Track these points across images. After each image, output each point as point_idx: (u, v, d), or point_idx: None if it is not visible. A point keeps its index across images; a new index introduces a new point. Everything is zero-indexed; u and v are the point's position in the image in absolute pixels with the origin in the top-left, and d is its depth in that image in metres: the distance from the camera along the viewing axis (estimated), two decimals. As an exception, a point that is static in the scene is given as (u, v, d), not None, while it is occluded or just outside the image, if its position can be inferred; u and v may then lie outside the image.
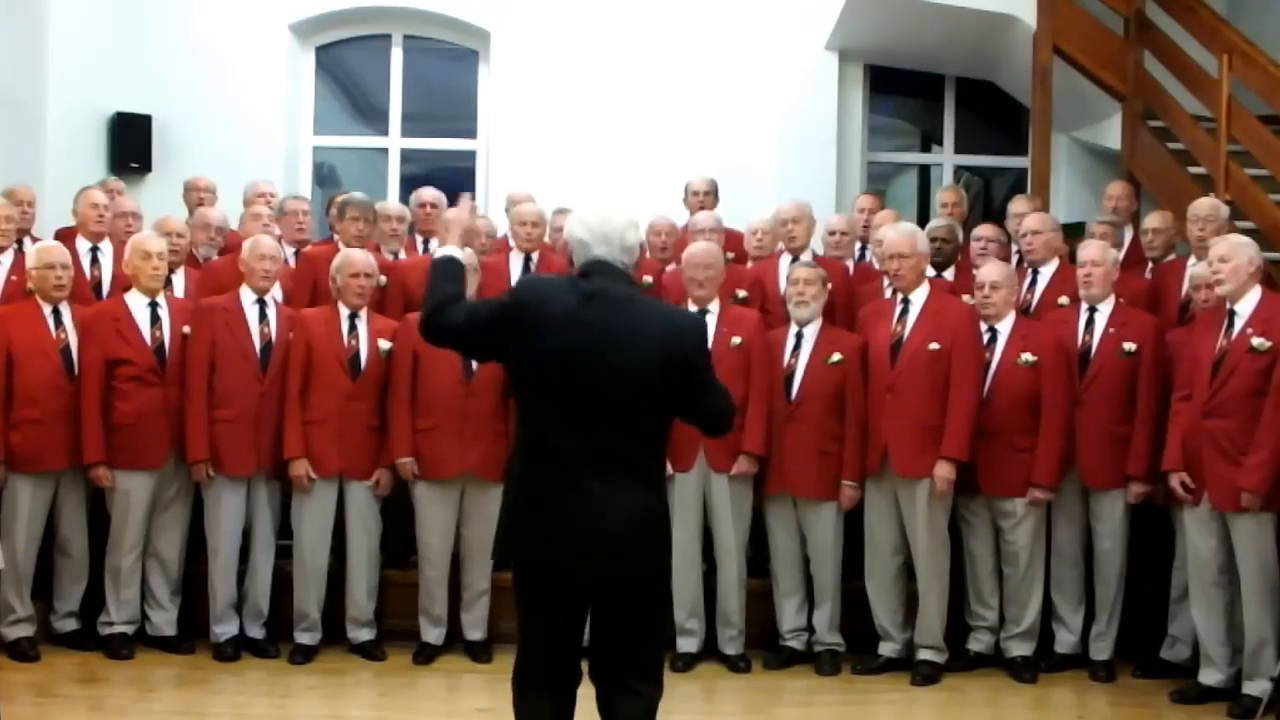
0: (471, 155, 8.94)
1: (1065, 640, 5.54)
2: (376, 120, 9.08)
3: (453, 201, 5.94)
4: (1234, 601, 5.03)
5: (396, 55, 8.95)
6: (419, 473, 5.51)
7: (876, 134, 9.06)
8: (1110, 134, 8.00)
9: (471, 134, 8.95)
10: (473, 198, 3.69)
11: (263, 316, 5.58)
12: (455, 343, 3.42)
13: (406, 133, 8.99)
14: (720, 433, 3.53)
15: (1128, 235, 6.65)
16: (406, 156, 8.99)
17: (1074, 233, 6.76)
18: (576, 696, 3.31)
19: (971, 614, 5.56)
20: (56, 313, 5.48)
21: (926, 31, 8.29)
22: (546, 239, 6.71)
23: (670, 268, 6.33)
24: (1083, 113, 8.10)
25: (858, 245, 6.77)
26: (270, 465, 5.51)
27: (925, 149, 9.42)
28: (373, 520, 5.61)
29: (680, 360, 3.23)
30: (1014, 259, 6.32)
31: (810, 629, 5.59)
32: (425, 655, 5.56)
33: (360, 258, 5.65)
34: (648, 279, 6.10)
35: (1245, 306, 5.01)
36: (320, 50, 8.96)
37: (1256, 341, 4.92)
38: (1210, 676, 5.09)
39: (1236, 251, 5.04)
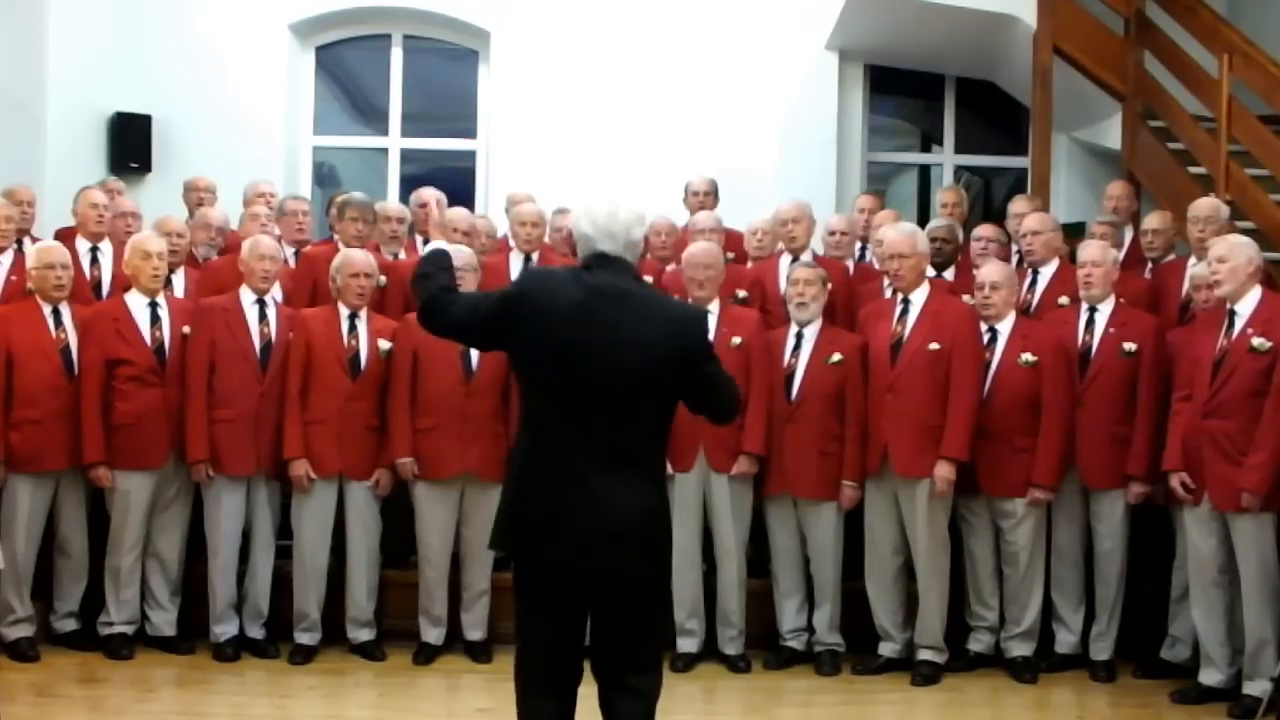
0: (471, 155, 8.94)
1: (1065, 640, 5.53)
2: (376, 120, 9.08)
3: (452, 201, 5.93)
4: (1234, 602, 5.03)
5: (396, 55, 8.96)
6: (419, 473, 5.51)
7: (876, 134, 9.07)
8: (1110, 134, 8.00)
9: (471, 134, 8.96)
10: (444, 190, 3.68)
11: (262, 317, 5.58)
12: (457, 333, 3.42)
13: (406, 133, 8.99)
14: (725, 420, 3.52)
15: (1128, 235, 6.64)
16: (406, 156, 8.99)
17: (1074, 233, 6.76)
18: (577, 696, 3.31)
19: (972, 614, 5.55)
20: (56, 313, 5.47)
21: (926, 31, 8.29)
22: (546, 239, 6.71)
23: (670, 268, 6.33)
24: (1083, 113, 8.10)
25: (858, 245, 6.77)
26: (270, 465, 5.51)
27: (925, 149, 9.43)
28: (373, 520, 5.61)
29: (684, 354, 3.23)
30: (1014, 259, 6.32)
31: (810, 629, 5.58)
32: (425, 655, 5.55)
33: (360, 258, 5.65)
34: (647, 279, 6.09)
35: (1245, 307, 5.01)
36: (320, 50, 8.97)
37: (1257, 342, 4.92)
38: (1210, 677, 5.09)
39: (1235, 252, 5.04)
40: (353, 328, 5.56)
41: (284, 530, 5.65)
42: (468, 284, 5.14)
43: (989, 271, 5.51)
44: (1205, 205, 5.93)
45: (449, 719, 5.08)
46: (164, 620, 5.58)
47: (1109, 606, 5.48)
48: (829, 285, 5.61)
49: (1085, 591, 5.54)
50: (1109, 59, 7.69)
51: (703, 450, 5.44)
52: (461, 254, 5.29)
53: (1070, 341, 5.47)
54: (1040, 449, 5.32)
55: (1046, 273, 5.96)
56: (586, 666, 3.30)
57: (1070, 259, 6.03)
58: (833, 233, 6.58)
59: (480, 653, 5.57)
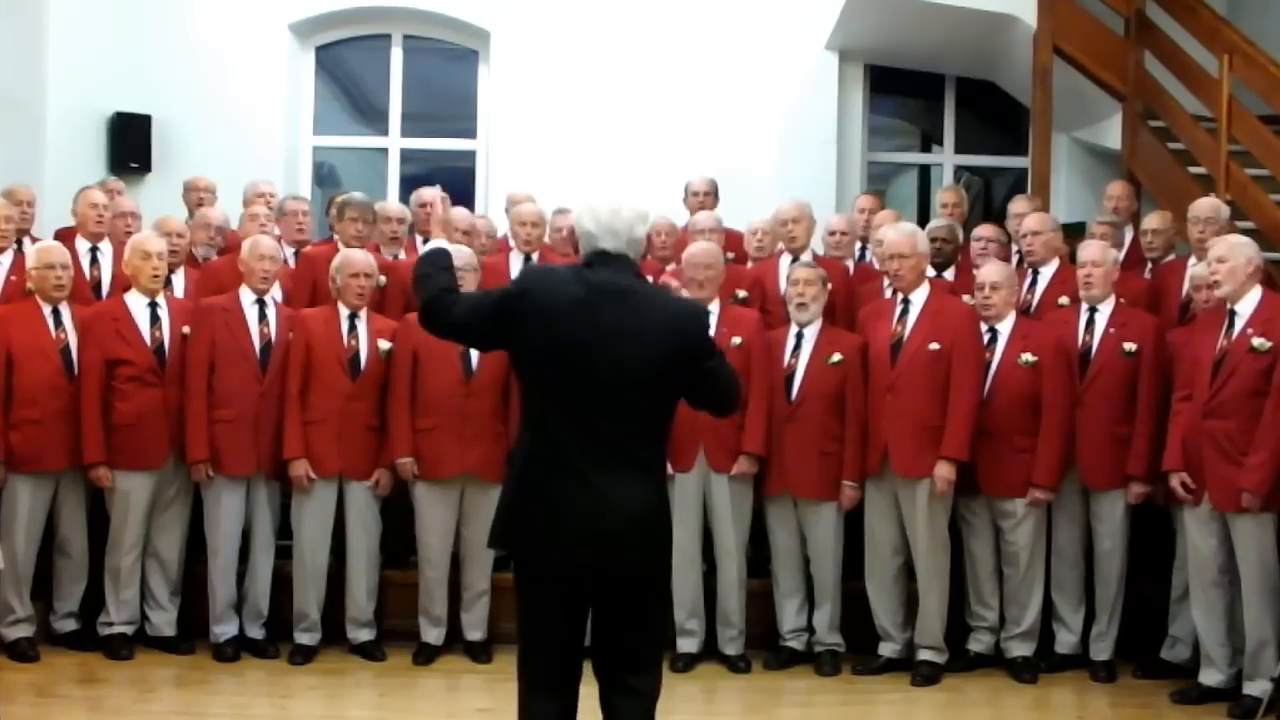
0: (471, 155, 8.94)
1: (1065, 640, 5.53)
2: (376, 120, 9.08)
3: (452, 201, 5.93)
4: (1234, 602, 5.02)
5: (396, 55, 8.95)
6: (419, 473, 5.50)
7: (876, 134, 9.06)
8: (1110, 134, 7.99)
9: (471, 134, 8.95)
10: (443, 188, 3.68)
11: (262, 317, 5.57)
12: (457, 333, 3.42)
13: (406, 133, 8.99)
14: (726, 413, 3.51)
15: (1128, 235, 6.64)
16: (406, 156, 8.99)
17: (1074, 233, 6.76)
18: (579, 695, 3.30)
19: (972, 614, 5.55)
20: (56, 313, 5.47)
21: (926, 31, 8.28)
22: (546, 239, 6.71)
23: (670, 268, 6.32)
24: (1083, 113, 8.09)
25: (858, 245, 6.76)
26: (270, 465, 5.51)
27: (925, 149, 9.42)
28: (372, 520, 5.61)
29: (685, 350, 3.23)
30: (1014, 259, 6.32)
31: (810, 629, 5.58)
32: (425, 655, 5.55)
33: (360, 258, 5.65)
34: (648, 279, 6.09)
35: (1245, 307, 5.01)
36: (320, 50, 8.96)
37: (1257, 342, 4.92)
38: (1210, 677, 5.09)
39: (1234, 252, 5.03)
40: (353, 328, 5.56)
41: (284, 530, 5.65)
42: (468, 284, 5.14)
43: (989, 271, 5.51)
44: (1205, 206, 5.93)
45: (449, 719, 5.08)
46: (164, 620, 5.58)
47: (1109, 607, 5.47)
48: (829, 285, 5.61)
49: (1085, 591, 5.53)
50: (1109, 59, 7.69)
51: (703, 450, 5.43)
52: (461, 254, 5.29)
53: (1070, 342, 5.46)
54: (1040, 449, 5.31)
55: (1046, 273, 5.96)
56: (587, 666, 3.30)
57: (1070, 259, 6.02)
58: (833, 233, 6.58)
59: (480, 653, 5.57)
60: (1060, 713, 5.23)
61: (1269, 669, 4.85)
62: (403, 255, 6.35)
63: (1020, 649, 5.46)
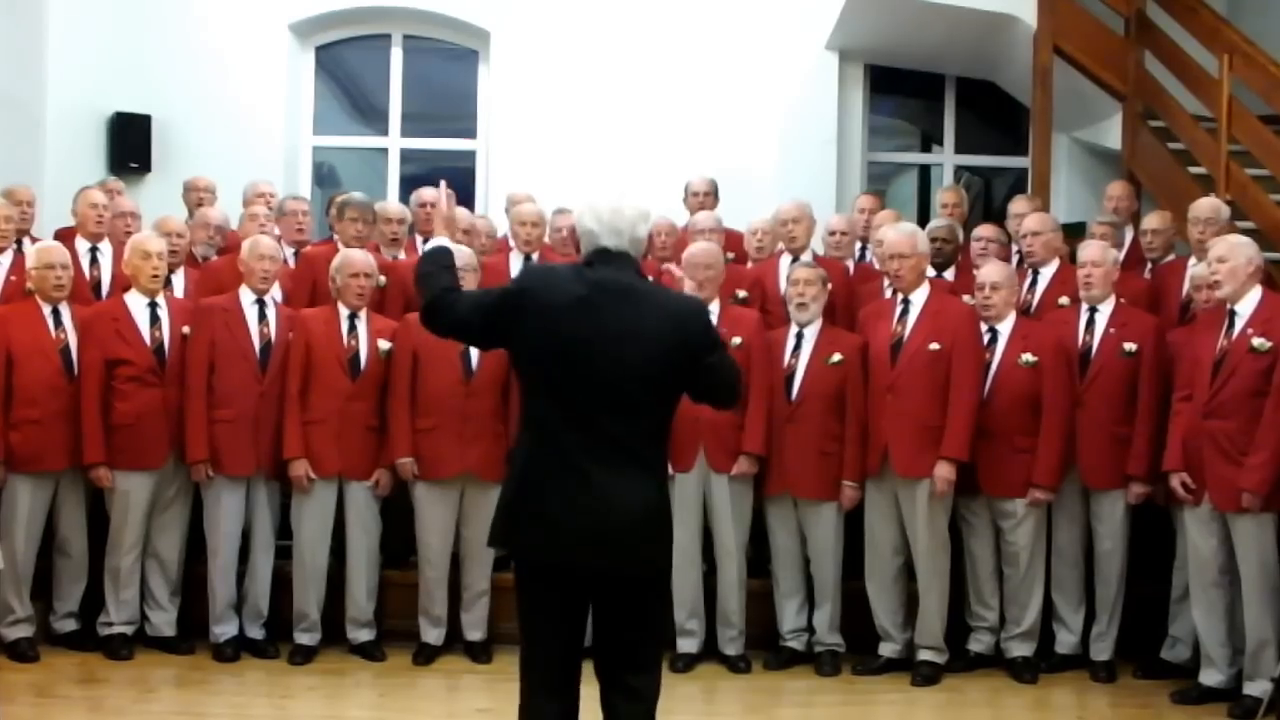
0: (471, 155, 8.93)
1: (1066, 641, 5.53)
2: (376, 120, 9.08)
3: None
4: (1234, 602, 5.02)
5: (396, 55, 8.95)
6: (419, 473, 5.50)
7: (876, 134, 9.06)
8: (1111, 134, 7.99)
9: (471, 134, 8.95)
10: (451, 184, 3.68)
11: (262, 317, 5.57)
12: (459, 332, 3.43)
13: (406, 133, 8.99)
14: (727, 405, 3.50)
15: (1128, 235, 6.64)
16: (406, 156, 8.99)
17: (1074, 233, 6.76)
18: (580, 695, 3.30)
19: (972, 614, 5.55)
20: (56, 313, 5.47)
21: (926, 31, 8.28)
22: (546, 239, 6.70)
23: (670, 265, 6.31)
24: (1083, 113, 8.09)
25: (858, 245, 6.76)
26: (270, 465, 5.51)
27: (925, 149, 9.42)
28: (372, 520, 5.61)
29: (686, 347, 3.22)
30: (1014, 259, 6.32)
31: (810, 629, 5.58)
32: (425, 656, 5.55)
33: (360, 258, 5.65)
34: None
35: (1245, 307, 5.01)
36: (320, 50, 8.96)
37: (1257, 342, 4.92)
38: (1211, 677, 5.09)
39: (1235, 252, 5.03)
40: (352, 328, 5.56)
41: (284, 530, 5.65)
42: (468, 284, 5.12)
43: (989, 272, 5.51)
44: (1206, 206, 5.92)
45: (449, 719, 5.08)
46: (164, 620, 5.58)
47: (1109, 607, 5.47)
48: (829, 285, 5.61)
49: (1085, 592, 5.53)
50: (1109, 59, 7.69)
51: (703, 450, 5.43)
52: (461, 254, 5.26)
53: (1070, 342, 5.46)
54: (1040, 449, 5.31)
55: (1047, 273, 5.95)
56: (587, 667, 3.29)
57: (1070, 259, 6.02)
58: (833, 233, 6.57)
59: (480, 653, 5.57)
60: (1060, 713, 5.23)
61: (1269, 669, 4.85)
62: (403, 255, 6.35)
63: (1020, 649, 5.46)
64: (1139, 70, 7.62)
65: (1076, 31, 7.68)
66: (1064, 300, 5.78)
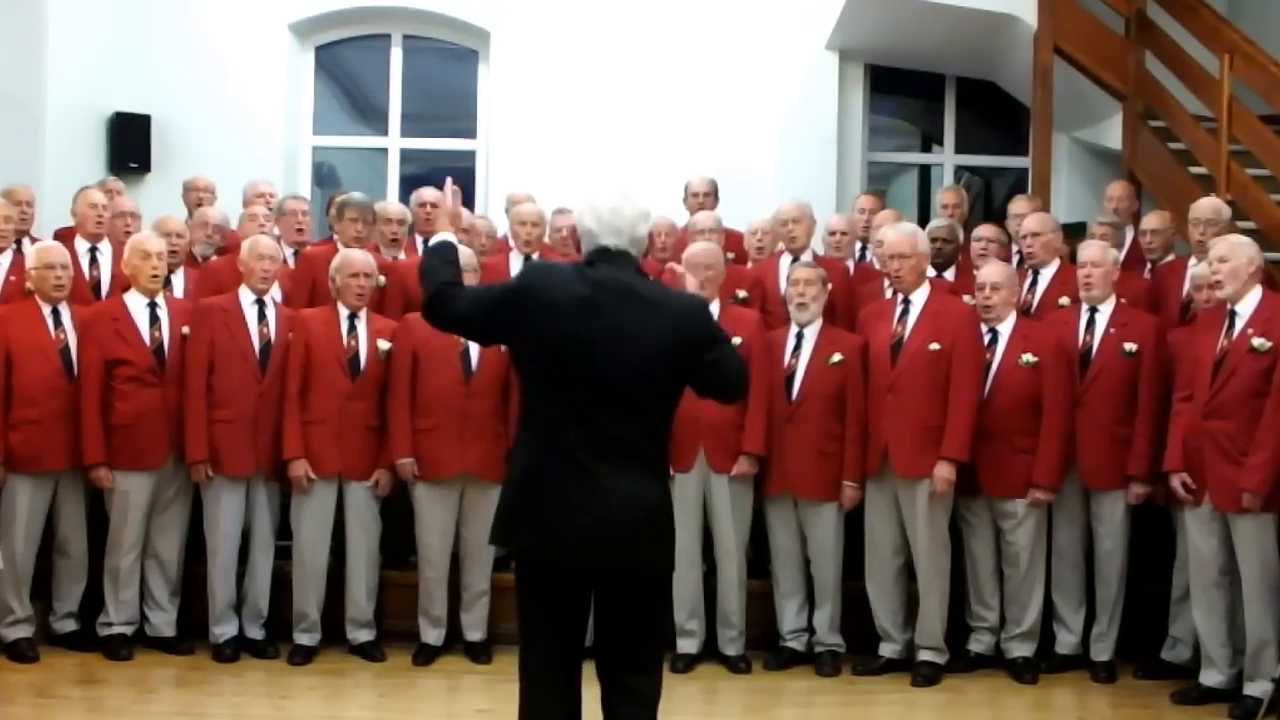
0: (471, 155, 8.93)
1: (1066, 641, 5.53)
2: (376, 120, 9.08)
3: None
4: (1235, 602, 5.02)
5: (396, 55, 8.95)
6: (419, 473, 5.50)
7: (877, 134, 9.05)
8: (1111, 134, 7.99)
9: (471, 134, 8.95)
10: (455, 182, 3.69)
11: (262, 317, 5.57)
12: (460, 327, 3.44)
13: (406, 133, 8.98)
14: (733, 400, 3.49)
15: (1129, 236, 6.63)
16: (406, 156, 8.98)
17: (1075, 233, 6.75)
18: (581, 696, 3.29)
19: (972, 615, 5.55)
20: (56, 313, 5.47)
21: (927, 31, 8.28)
22: (546, 239, 6.70)
23: (671, 265, 6.31)
24: (1083, 113, 8.09)
25: (858, 245, 6.76)
26: (269, 466, 5.51)
27: (925, 149, 9.42)
28: (372, 521, 5.60)
29: (689, 345, 3.22)
30: (1015, 259, 6.31)
31: (811, 630, 5.58)
32: (425, 656, 5.55)
33: (359, 258, 5.65)
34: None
35: (1246, 307, 5.00)
36: (320, 50, 8.96)
37: (1257, 342, 4.91)
38: (1211, 678, 5.08)
39: (1236, 252, 5.03)
40: (352, 328, 5.55)
41: (283, 530, 5.65)
42: (467, 284, 5.13)
43: (989, 272, 5.51)
44: (1207, 207, 5.91)
45: (448, 719, 5.07)
46: (163, 621, 5.57)
47: (1109, 607, 5.47)
48: (829, 285, 5.61)
49: (1086, 592, 5.53)
50: (1109, 59, 7.69)
51: (703, 451, 5.43)
52: (462, 253, 5.26)
53: (1071, 342, 5.46)
54: (1041, 449, 5.31)
55: (1047, 273, 5.95)
56: (588, 667, 3.29)
57: (1070, 259, 6.02)
58: (833, 233, 6.57)
59: (480, 653, 5.57)
60: (1061, 713, 5.23)
61: (1270, 670, 4.84)
62: (402, 256, 6.34)
63: (1021, 649, 5.46)
64: (1139, 70, 7.61)
65: (1077, 31, 7.68)
66: (1064, 300, 5.78)
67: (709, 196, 7.14)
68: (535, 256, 6.51)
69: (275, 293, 5.70)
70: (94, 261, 6.18)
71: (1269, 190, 6.61)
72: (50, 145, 7.84)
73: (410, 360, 5.50)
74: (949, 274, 6.19)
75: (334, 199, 6.61)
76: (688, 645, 5.53)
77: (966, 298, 5.70)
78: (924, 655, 5.40)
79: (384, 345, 5.56)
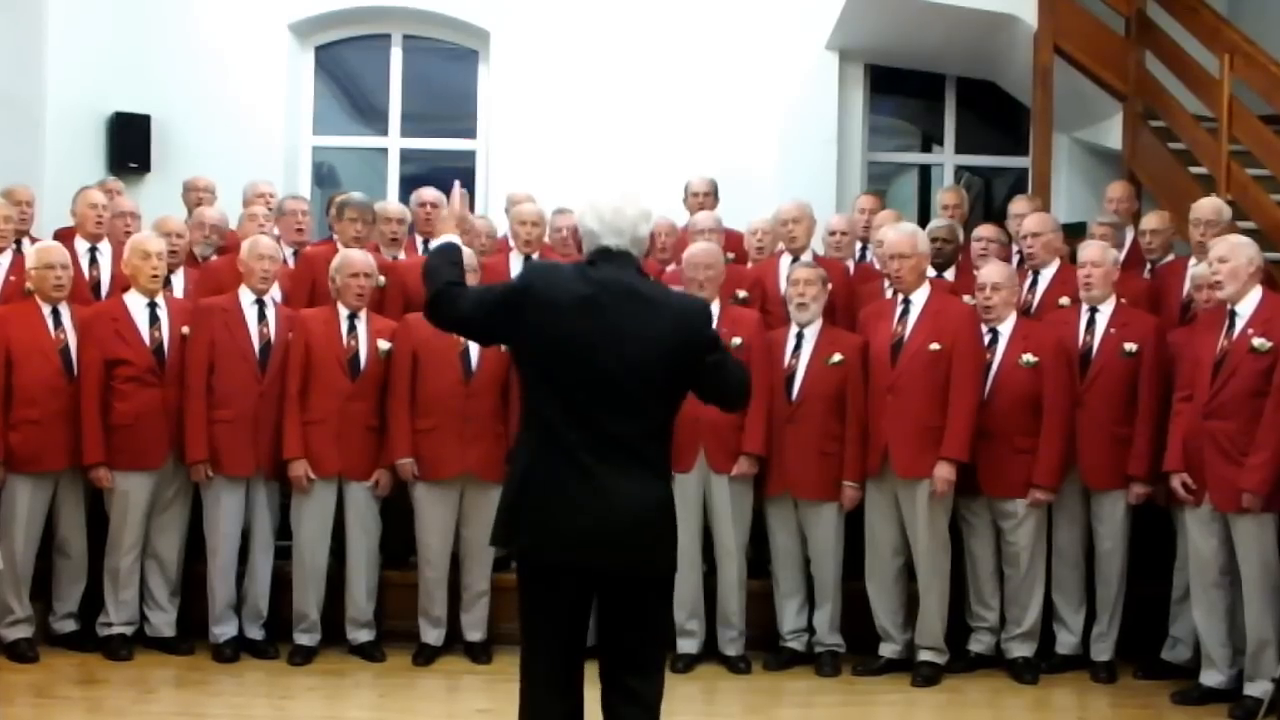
0: (471, 155, 8.93)
1: (1066, 641, 5.53)
2: (376, 120, 9.07)
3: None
4: (1235, 602, 5.02)
5: (396, 55, 8.95)
6: (418, 473, 5.50)
7: (877, 134, 9.05)
8: (1111, 134, 7.99)
9: (471, 134, 8.95)
10: (463, 186, 3.70)
11: (262, 317, 5.57)
12: (462, 327, 3.44)
13: (406, 133, 8.98)
14: (735, 407, 3.50)
15: (1129, 236, 6.63)
16: (406, 156, 8.98)
17: (1075, 233, 6.75)
18: (583, 696, 3.29)
19: (972, 615, 5.55)
20: (55, 313, 5.47)
21: (927, 31, 8.28)
22: (546, 239, 6.70)
23: (670, 268, 6.32)
24: (1083, 113, 8.09)
25: (858, 245, 6.76)
26: (269, 466, 5.50)
27: (926, 149, 9.42)
28: (372, 521, 5.60)
29: (690, 346, 3.22)
30: (1015, 259, 6.31)
31: (811, 630, 5.58)
32: (425, 656, 5.54)
33: (359, 258, 5.64)
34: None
35: (1246, 307, 5.00)
36: (320, 50, 8.95)
37: (1257, 342, 4.91)
38: (1211, 678, 5.08)
39: (1236, 253, 5.03)
40: (352, 328, 5.55)
41: (283, 531, 5.65)
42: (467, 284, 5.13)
43: (990, 272, 5.51)
44: (1207, 207, 5.91)
45: (448, 719, 5.07)
46: (163, 621, 5.57)
47: (1110, 607, 5.47)
48: (829, 285, 5.61)
49: (1086, 592, 5.53)
50: (1110, 59, 7.69)
51: (703, 451, 5.43)
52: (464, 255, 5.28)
53: (1071, 342, 5.46)
54: (1041, 450, 5.31)
55: (1047, 273, 5.95)
56: (590, 667, 3.28)
57: (1071, 259, 6.02)
58: (833, 233, 6.57)
59: (480, 653, 5.56)
60: (1061, 714, 5.23)
61: (1270, 670, 4.84)
62: (402, 255, 6.35)
63: (1021, 650, 5.46)
64: (1139, 70, 7.61)
65: (1077, 31, 7.68)
66: (1064, 300, 5.78)
67: (709, 196, 7.13)
68: (535, 256, 6.51)
69: (275, 293, 5.70)
70: (94, 261, 6.18)
71: (1269, 190, 6.61)
72: (50, 145, 7.84)
73: (410, 360, 5.49)
74: (949, 274, 6.19)
75: (334, 199, 6.60)
76: (688, 645, 5.53)
77: (966, 298, 5.70)
78: (924, 655, 5.40)
79: (384, 345, 5.56)
